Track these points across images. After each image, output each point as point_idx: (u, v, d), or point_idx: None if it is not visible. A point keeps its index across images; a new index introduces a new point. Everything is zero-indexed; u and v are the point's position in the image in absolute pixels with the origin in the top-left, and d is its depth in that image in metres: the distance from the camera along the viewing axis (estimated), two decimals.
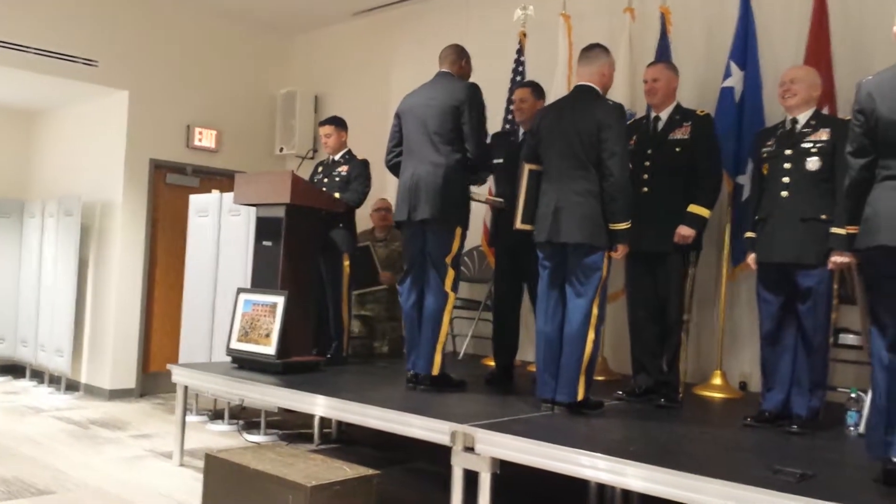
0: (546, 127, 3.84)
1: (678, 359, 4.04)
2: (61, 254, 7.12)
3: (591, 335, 3.58)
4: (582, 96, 3.82)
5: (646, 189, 4.12)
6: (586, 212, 3.62)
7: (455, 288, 4.16)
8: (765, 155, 3.69)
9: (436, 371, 4.10)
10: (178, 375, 4.79)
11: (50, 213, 7.34)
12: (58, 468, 4.59)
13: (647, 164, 4.15)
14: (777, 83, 3.82)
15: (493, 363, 4.81)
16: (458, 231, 4.12)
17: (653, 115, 4.26)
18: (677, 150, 4.09)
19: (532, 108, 4.57)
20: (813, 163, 3.51)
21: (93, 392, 6.96)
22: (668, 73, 4.22)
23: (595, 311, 3.60)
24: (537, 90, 4.74)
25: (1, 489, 4.11)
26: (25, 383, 7.45)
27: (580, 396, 3.60)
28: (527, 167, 3.91)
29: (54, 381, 7.23)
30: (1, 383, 7.44)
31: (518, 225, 3.92)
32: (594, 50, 3.87)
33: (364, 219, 6.21)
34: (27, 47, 6.33)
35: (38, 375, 7.48)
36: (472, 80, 4.32)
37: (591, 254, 3.61)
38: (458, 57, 4.33)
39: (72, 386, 7.10)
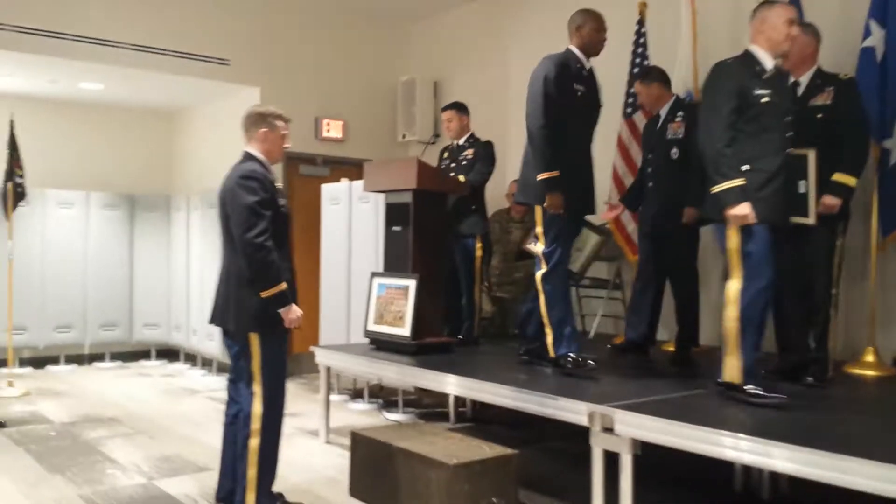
0: None
1: (827, 335, 3.87)
2: (206, 244, 7.56)
3: None
4: None
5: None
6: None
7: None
8: None
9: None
10: (321, 357, 5.02)
11: (194, 206, 7.81)
12: (214, 446, 4.85)
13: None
14: None
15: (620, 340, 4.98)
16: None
17: (791, 79, 4.06)
18: (819, 116, 3.89)
19: (655, 96, 4.74)
20: None
21: None
22: (803, 37, 4.00)
23: None
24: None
25: (164, 466, 4.46)
26: (180, 366, 8.00)
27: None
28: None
29: (206, 363, 7.73)
30: (158, 367, 8.03)
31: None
32: None
33: (503, 200, 6.28)
34: (164, 50, 6.74)
35: (191, 358, 8.02)
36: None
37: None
38: (573, 26, 4.16)
39: (223, 368, 7.55)
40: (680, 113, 4.62)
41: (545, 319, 4.07)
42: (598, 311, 5.72)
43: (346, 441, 4.10)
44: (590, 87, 4.13)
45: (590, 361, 3.95)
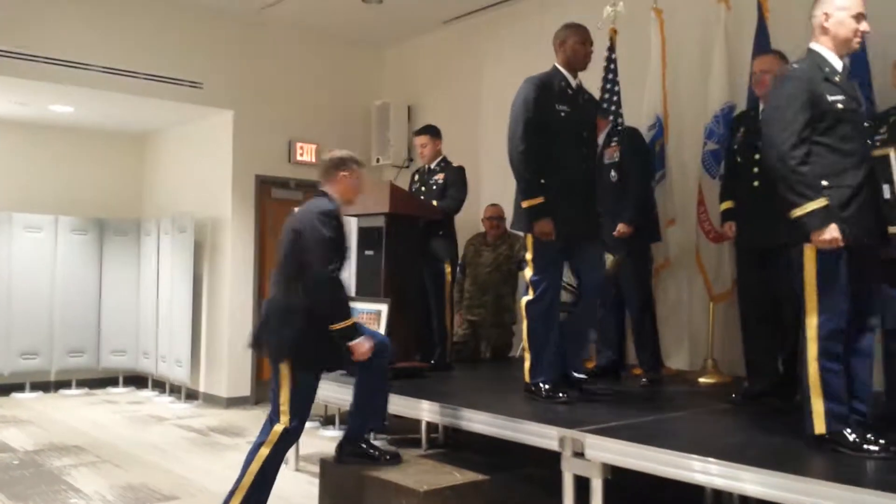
0: None
1: (795, 359, 3.89)
2: (177, 269, 7.49)
3: None
4: None
5: (756, 183, 3.98)
6: None
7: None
8: None
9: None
10: None
11: (165, 230, 7.73)
12: (181, 474, 4.83)
13: (757, 156, 4.01)
14: (889, 66, 3.64)
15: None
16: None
17: (761, 106, 4.12)
18: None
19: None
20: None
21: (211, 400, 7.29)
22: (780, 63, 4.06)
23: None
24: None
25: (129, 495, 4.36)
26: (148, 393, 7.87)
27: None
28: None
29: (175, 390, 7.61)
30: (125, 394, 7.89)
31: None
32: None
33: (475, 224, 6.28)
34: (136, 72, 6.69)
35: (159, 385, 7.89)
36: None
37: None
38: (557, 42, 4.09)
39: (191, 395, 7.46)
40: (614, 139, 4.80)
41: (525, 344, 4.03)
42: None
43: (316, 468, 4.04)
44: (576, 105, 4.00)
45: (560, 394, 3.93)
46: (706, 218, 4.86)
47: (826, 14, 3.09)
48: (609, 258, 5.04)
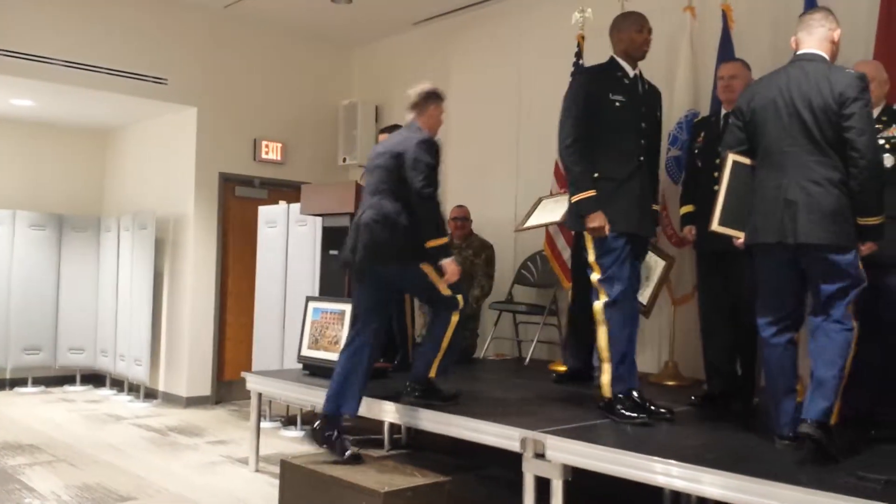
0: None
1: (754, 361, 3.95)
2: (137, 266, 7.38)
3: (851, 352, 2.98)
4: None
5: (716, 187, 4.02)
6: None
7: None
8: None
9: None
10: (253, 383, 4.91)
11: (125, 227, 7.61)
12: (139, 474, 4.76)
13: (718, 161, 4.06)
14: None
15: (561, 368, 4.83)
16: None
17: (723, 112, 4.18)
18: None
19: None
20: None
21: (170, 400, 7.19)
22: (745, 71, 4.16)
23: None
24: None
25: (85, 496, 4.28)
26: (106, 392, 7.74)
27: (834, 419, 2.93)
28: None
29: (133, 389, 7.49)
30: (83, 392, 7.75)
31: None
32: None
33: None
34: (100, 68, 6.58)
35: (117, 384, 7.76)
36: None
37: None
38: (614, 32, 3.83)
39: (150, 394, 7.34)
40: None
41: (604, 354, 3.58)
42: (534, 337, 5.74)
43: (276, 470, 4.01)
44: (634, 95, 3.75)
45: (662, 409, 3.59)
46: (668, 222, 4.91)
47: (839, 31, 3.16)
48: (658, 262, 4.82)
